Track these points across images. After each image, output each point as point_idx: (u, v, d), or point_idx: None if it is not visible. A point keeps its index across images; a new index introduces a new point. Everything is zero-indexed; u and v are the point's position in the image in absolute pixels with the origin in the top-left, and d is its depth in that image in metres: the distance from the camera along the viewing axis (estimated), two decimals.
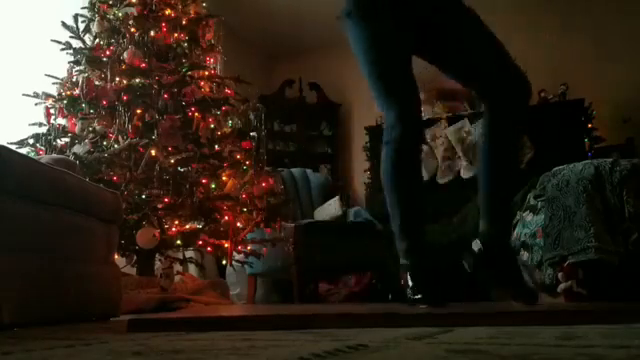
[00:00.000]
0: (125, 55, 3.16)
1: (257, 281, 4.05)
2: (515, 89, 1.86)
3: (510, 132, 1.89)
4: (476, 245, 1.88)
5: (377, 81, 1.86)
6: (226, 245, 3.11)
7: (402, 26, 1.86)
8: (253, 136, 3.43)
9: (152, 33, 3.26)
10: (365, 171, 5.58)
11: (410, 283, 1.84)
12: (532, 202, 2.65)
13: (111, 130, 3.05)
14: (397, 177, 1.86)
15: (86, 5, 3.39)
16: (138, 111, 3.05)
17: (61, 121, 3.18)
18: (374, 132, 5.51)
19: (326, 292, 4.32)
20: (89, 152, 2.97)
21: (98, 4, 3.32)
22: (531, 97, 1.94)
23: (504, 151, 1.89)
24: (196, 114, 3.18)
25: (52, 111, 3.16)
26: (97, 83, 3.13)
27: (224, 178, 3.21)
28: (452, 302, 1.81)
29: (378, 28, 1.87)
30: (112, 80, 3.08)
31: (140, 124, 3.05)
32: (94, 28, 3.28)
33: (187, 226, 3.05)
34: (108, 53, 3.21)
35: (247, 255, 3.36)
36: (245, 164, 3.31)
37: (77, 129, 3.10)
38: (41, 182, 1.92)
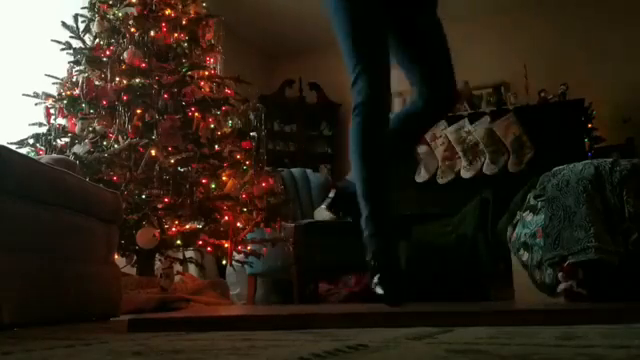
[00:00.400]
0: (125, 55, 3.16)
1: (257, 281, 4.05)
2: (447, 97, 2.07)
3: (426, 125, 2.17)
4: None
5: (352, 47, 1.94)
6: (226, 245, 3.11)
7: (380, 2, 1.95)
8: (253, 136, 3.43)
9: (152, 33, 3.26)
10: None
11: (376, 275, 1.81)
12: (532, 202, 2.65)
13: (111, 130, 3.05)
14: (364, 141, 1.88)
15: (86, 5, 3.38)
16: (138, 111, 3.05)
17: (61, 121, 3.18)
18: None
19: (326, 292, 4.32)
20: (89, 152, 2.97)
21: (98, 4, 3.32)
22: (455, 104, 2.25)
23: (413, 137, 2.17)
24: (196, 114, 3.18)
25: (52, 111, 3.16)
26: (97, 83, 3.13)
27: (224, 178, 3.21)
28: (451, 302, 1.81)
29: (359, 5, 1.94)
30: (112, 80, 3.08)
31: (140, 124, 3.05)
32: (94, 28, 3.28)
33: (187, 226, 3.05)
34: (108, 53, 3.21)
35: (247, 255, 3.35)
36: (245, 164, 3.31)
37: (77, 129, 3.10)
38: (41, 182, 1.92)
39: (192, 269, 3.85)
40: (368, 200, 1.83)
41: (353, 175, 1.93)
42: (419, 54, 2.05)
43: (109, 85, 3.08)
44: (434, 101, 2.03)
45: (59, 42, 3.23)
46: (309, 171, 4.74)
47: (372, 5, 1.94)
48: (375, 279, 1.80)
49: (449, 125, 5.00)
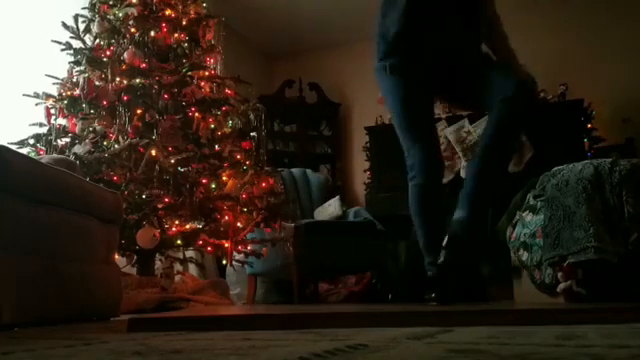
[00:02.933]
0: (125, 55, 3.16)
1: (257, 281, 4.05)
2: (517, 96, 2.04)
3: (512, 132, 2.14)
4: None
5: (405, 131, 2.20)
6: (226, 245, 3.11)
7: (424, 78, 2.18)
8: (253, 136, 3.43)
9: (152, 33, 3.26)
10: (365, 171, 5.58)
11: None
12: (532, 202, 2.65)
13: (111, 130, 3.05)
14: (421, 208, 2.19)
15: (86, 5, 3.38)
16: (138, 111, 3.05)
17: (61, 121, 3.18)
18: (374, 132, 5.51)
19: (326, 292, 4.32)
20: (89, 152, 2.97)
21: (98, 4, 3.32)
22: (533, 95, 2.19)
23: (503, 149, 2.13)
24: (196, 114, 3.18)
25: (52, 111, 3.16)
26: (97, 83, 3.13)
27: (224, 178, 3.21)
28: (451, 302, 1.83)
29: (407, 86, 2.19)
30: (112, 80, 3.08)
31: (140, 124, 3.05)
32: (94, 28, 3.28)
33: (187, 226, 3.05)
34: (108, 53, 3.21)
35: (247, 255, 3.36)
36: (245, 164, 3.31)
37: (77, 129, 3.10)
38: (41, 182, 1.92)
39: (192, 269, 3.85)
40: (428, 251, 2.16)
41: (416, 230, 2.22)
42: (472, 93, 2.23)
43: (109, 85, 3.08)
44: (508, 105, 2.07)
45: (59, 42, 3.22)
46: (309, 171, 4.74)
47: (417, 83, 2.18)
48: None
49: (449, 125, 5.00)
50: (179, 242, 3.06)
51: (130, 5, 3.26)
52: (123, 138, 3.00)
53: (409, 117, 2.19)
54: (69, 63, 3.27)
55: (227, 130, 3.34)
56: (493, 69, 2.18)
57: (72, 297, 2.04)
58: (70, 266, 2.06)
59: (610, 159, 2.49)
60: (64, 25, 3.25)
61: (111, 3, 3.33)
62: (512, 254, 2.72)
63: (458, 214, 2.08)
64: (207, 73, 3.43)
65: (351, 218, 4.16)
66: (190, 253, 3.59)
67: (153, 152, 2.96)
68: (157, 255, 3.22)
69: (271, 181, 3.43)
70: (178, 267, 3.57)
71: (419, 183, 2.16)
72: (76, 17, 3.29)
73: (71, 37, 3.27)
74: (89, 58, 3.19)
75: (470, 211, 2.06)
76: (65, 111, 3.16)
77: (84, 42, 3.31)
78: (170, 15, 3.35)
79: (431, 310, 1.68)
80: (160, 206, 2.95)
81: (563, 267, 2.31)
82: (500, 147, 2.10)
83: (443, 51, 2.18)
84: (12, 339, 1.35)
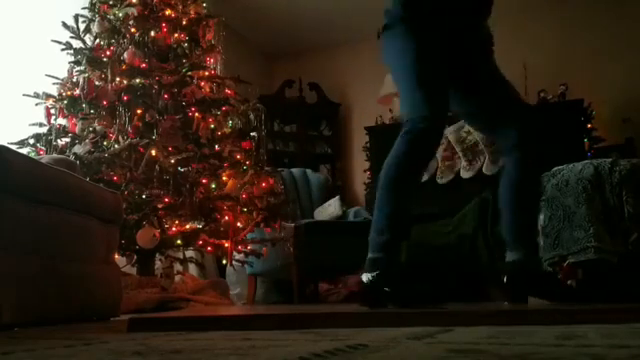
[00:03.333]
0: (125, 55, 3.16)
1: (257, 281, 4.05)
2: (531, 125, 2.00)
3: (535, 166, 2.03)
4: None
5: (418, 86, 1.93)
6: (226, 245, 3.11)
7: (445, 42, 1.98)
8: (253, 136, 3.43)
9: (152, 33, 3.26)
10: (365, 171, 5.58)
11: (371, 277, 1.89)
12: None
13: (111, 130, 3.05)
14: (406, 167, 1.90)
15: (86, 5, 3.39)
16: (138, 111, 3.06)
17: (61, 121, 3.18)
18: (374, 132, 5.51)
19: (326, 292, 4.32)
20: (89, 152, 2.97)
21: (98, 4, 3.32)
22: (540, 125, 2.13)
23: (532, 185, 2.04)
24: (196, 114, 3.18)
25: (52, 111, 3.16)
26: (97, 83, 3.13)
27: (224, 178, 3.21)
28: (451, 302, 1.82)
29: (428, 38, 1.96)
30: (112, 80, 3.08)
31: (140, 124, 3.05)
32: (94, 28, 3.28)
33: (187, 226, 3.05)
34: (108, 53, 3.21)
35: (247, 255, 3.36)
36: (245, 164, 3.31)
37: (77, 129, 3.10)
38: (41, 182, 1.92)
39: (192, 269, 3.85)
40: (390, 229, 1.97)
41: (378, 200, 1.98)
42: (485, 101, 2.07)
43: (109, 85, 3.08)
44: (521, 136, 1.98)
45: (59, 42, 3.23)
46: (309, 171, 4.74)
47: (438, 49, 1.96)
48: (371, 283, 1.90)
49: (449, 125, 4.99)
50: (179, 242, 3.06)
51: (130, 5, 3.26)
52: (123, 138, 3.00)
53: (422, 78, 1.92)
54: (69, 63, 3.27)
55: (227, 130, 3.34)
56: (504, 86, 2.08)
57: (72, 297, 2.04)
58: (70, 266, 2.06)
59: (610, 159, 2.49)
60: (64, 25, 3.25)
61: (111, 3, 3.33)
62: None
63: (512, 256, 1.92)
64: (207, 73, 3.43)
65: (351, 218, 4.16)
66: (190, 253, 3.59)
67: (153, 152, 2.96)
68: (157, 255, 3.22)
69: (271, 181, 3.43)
70: (178, 267, 3.57)
71: (424, 127, 1.87)
72: (76, 17, 3.29)
73: (71, 37, 3.27)
74: (89, 58, 3.19)
75: (524, 246, 1.94)
76: (65, 111, 3.16)
77: (84, 42, 3.31)
78: (170, 15, 3.35)
79: (431, 310, 1.68)
80: (160, 206, 2.96)
81: (563, 267, 2.31)
82: (530, 181, 2.03)
83: (461, 27, 2.05)
84: (12, 339, 1.35)
